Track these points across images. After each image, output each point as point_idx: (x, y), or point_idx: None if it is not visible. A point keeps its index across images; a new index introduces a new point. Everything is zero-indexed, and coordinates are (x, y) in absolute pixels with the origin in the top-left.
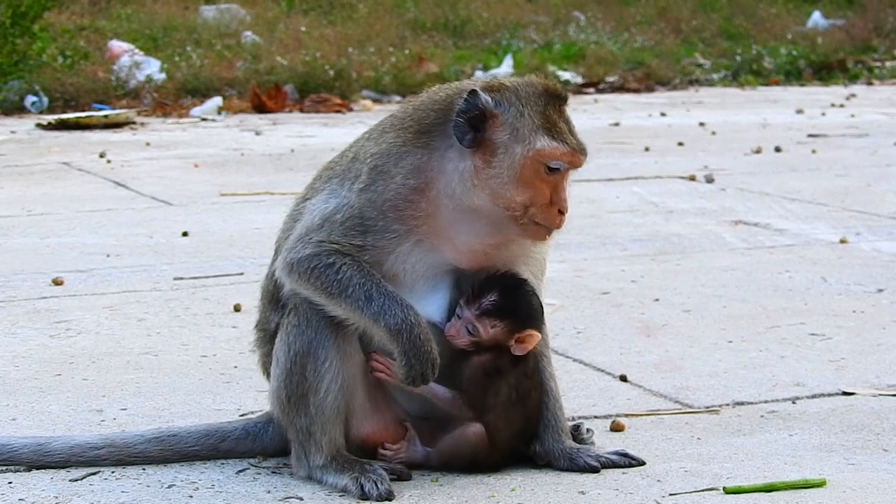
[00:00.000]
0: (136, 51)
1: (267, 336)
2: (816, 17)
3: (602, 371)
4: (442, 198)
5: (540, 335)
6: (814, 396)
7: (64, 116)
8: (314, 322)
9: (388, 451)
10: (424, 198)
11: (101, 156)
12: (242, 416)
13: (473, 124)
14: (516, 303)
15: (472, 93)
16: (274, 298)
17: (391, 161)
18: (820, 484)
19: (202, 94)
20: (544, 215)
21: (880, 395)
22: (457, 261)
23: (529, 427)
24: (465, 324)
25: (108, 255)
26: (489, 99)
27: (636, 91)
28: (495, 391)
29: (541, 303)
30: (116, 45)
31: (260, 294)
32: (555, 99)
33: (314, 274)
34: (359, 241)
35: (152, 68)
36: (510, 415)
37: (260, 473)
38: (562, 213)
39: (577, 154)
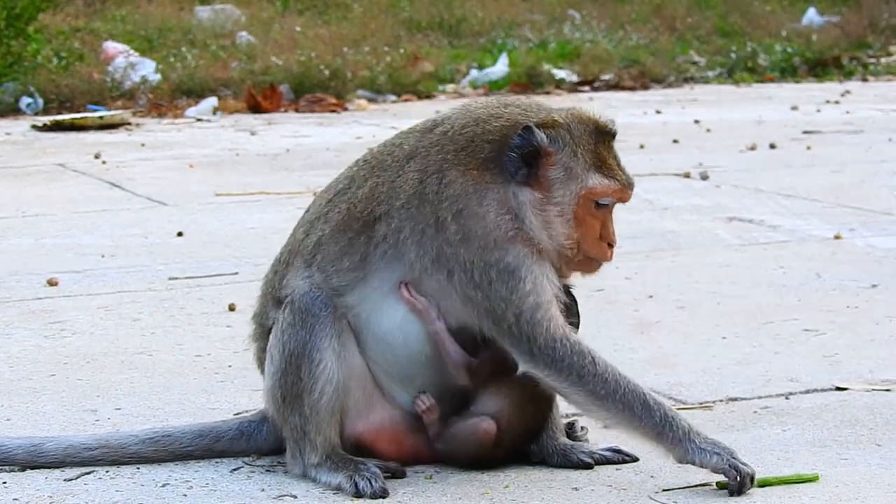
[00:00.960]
0: (131, 52)
1: (264, 331)
2: (811, 14)
3: None
4: (529, 221)
5: None
6: (807, 392)
7: (59, 118)
8: (308, 322)
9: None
10: (521, 223)
11: (97, 157)
12: (237, 415)
13: (527, 160)
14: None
15: (527, 129)
16: (275, 294)
17: (473, 201)
18: (813, 479)
19: (197, 94)
20: (596, 250)
21: (874, 390)
22: None
23: (538, 428)
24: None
25: (102, 256)
26: (544, 137)
27: (631, 89)
28: (509, 388)
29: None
30: (111, 46)
31: (262, 288)
32: (605, 135)
33: (569, 366)
34: (527, 286)
35: (147, 69)
36: (523, 414)
37: (254, 472)
38: (611, 245)
39: (626, 190)
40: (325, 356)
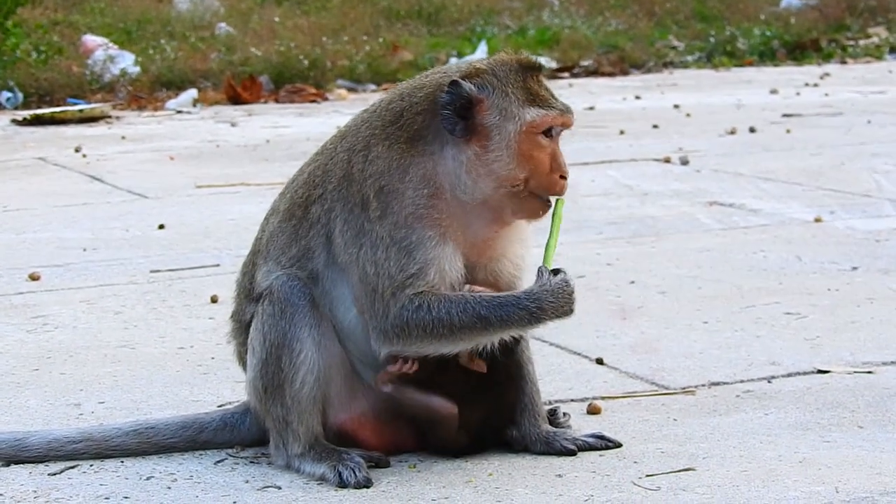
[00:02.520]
0: (111, 45)
1: (242, 327)
2: None
3: (578, 354)
4: (454, 197)
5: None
6: (789, 375)
7: (39, 112)
8: (288, 313)
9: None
10: (441, 200)
11: (77, 150)
12: (220, 406)
13: (461, 113)
14: None
15: (454, 83)
16: (249, 293)
17: (395, 177)
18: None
19: (177, 86)
20: (546, 184)
21: (855, 372)
22: (467, 256)
23: (499, 413)
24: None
25: (84, 249)
26: (471, 86)
27: (611, 75)
28: (452, 379)
29: None
30: (90, 39)
31: (235, 288)
32: (531, 70)
33: (417, 327)
34: (416, 267)
35: (127, 62)
36: (474, 401)
37: (238, 463)
38: (563, 177)
39: (565, 114)
40: (306, 346)
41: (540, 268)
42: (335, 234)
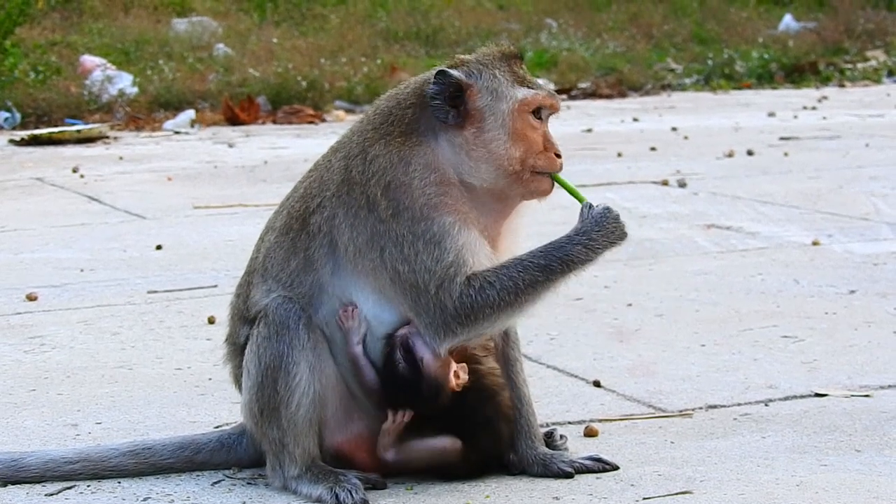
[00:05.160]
0: (109, 65)
1: (237, 349)
2: (788, 20)
3: (575, 377)
4: (462, 182)
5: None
6: (786, 398)
7: (37, 132)
8: (284, 335)
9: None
10: (450, 186)
11: (75, 170)
12: (217, 427)
13: (451, 102)
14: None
15: (441, 73)
16: (244, 315)
17: (399, 171)
18: None
19: (175, 107)
20: (542, 161)
21: (852, 395)
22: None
23: (503, 447)
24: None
25: (81, 270)
26: (459, 73)
27: (608, 97)
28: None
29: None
30: (88, 59)
31: (230, 311)
32: (514, 58)
33: (485, 307)
34: (452, 255)
35: (125, 82)
36: (475, 430)
37: (235, 485)
38: (558, 155)
39: (554, 97)
40: (301, 369)
41: (581, 208)
42: (342, 242)
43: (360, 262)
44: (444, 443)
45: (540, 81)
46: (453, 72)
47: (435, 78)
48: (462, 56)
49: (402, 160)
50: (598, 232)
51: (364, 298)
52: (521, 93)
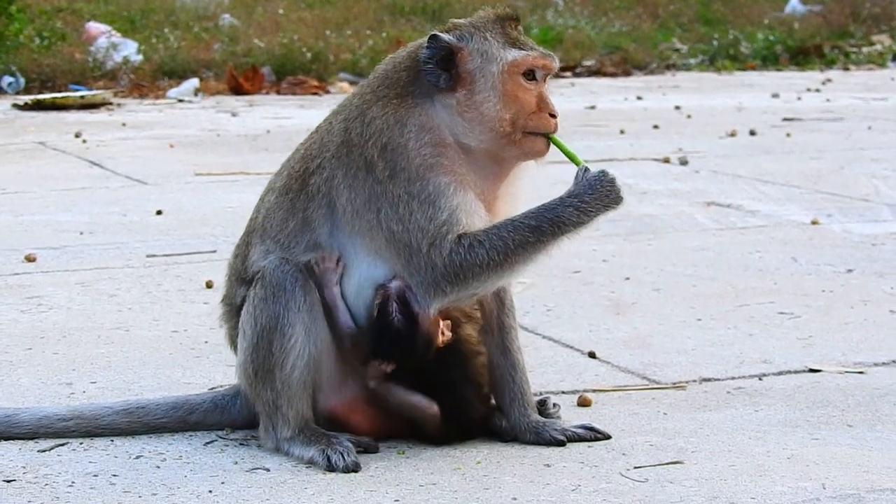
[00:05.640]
0: (114, 32)
1: (233, 310)
2: (794, 4)
3: (571, 347)
4: (458, 143)
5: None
6: (780, 373)
7: (40, 97)
8: (281, 297)
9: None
10: (446, 147)
11: (77, 136)
12: (212, 389)
13: (443, 65)
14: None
15: (433, 37)
16: (241, 275)
17: (395, 132)
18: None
19: (179, 75)
20: (535, 122)
21: (847, 372)
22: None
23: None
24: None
25: (81, 233)
26: (451, 36)
27: (613, 75)
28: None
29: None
30: (94, 26)
31: (227, 271)
32: (509, 20)
33: (474, 266)
34: (445, 214)
35: (129, 50)
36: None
37: (227, 445)
38: (553, 115)
39: (547, 58)
40: (297, 331)
41: (577, 171)
42: (341, 202)
43: (356, 223)
44: (423, 402)
45: (534, 43)
46: (444, 36)
47: (427, 43)
48: (456, 20)
49: (398, 121)
50: (591, 195)
51: (359, 259)
52: (512, 54)
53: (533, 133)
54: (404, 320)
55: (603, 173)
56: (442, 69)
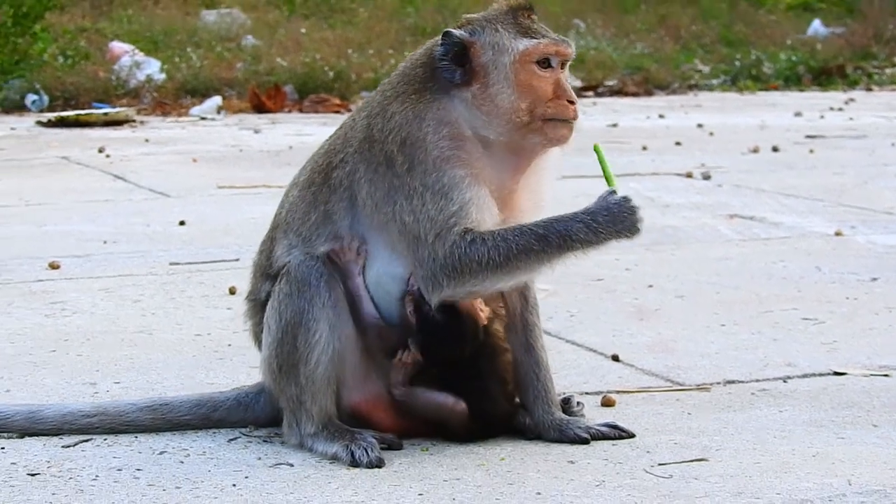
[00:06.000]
0: (137, 51)
1: (258, 306)
2: (816, 25)
3: (594, 351)
4: (476, 135)
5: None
6: (805, 376)
7: (64, 114)
8: (305, 292)
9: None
10: (463, 140)
11: (100, 151)
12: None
13: (457, 61)
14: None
15: (446, 34)
16: (266, 271)
17: (413, 127)
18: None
19: (202, 94)
20: (553, 109)
21: (872, 374)
22: (500, 205)
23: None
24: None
25: (104, 242)
26: (463, 31)
27: (635, 95)
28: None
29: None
30: (117, 45)
31: (252, 268)
32: (521, 10)
33: (472, 262)
34: (456, 206)
35: (152, 68)
36: (481, 392)
37: (251, 442)
38: (571, 102)
39: (560, 44)
40: (321, 326)
41: (604, 190)
42: (361, 196)
43: (375, 217)
44: (449, 400)
45: (550, 31)
46: (456, 31)
47: (441, 39)
48: (469, 15)
49: (416, 116)
50: (606, 217)
51: (378, 253)
52: (523, 44)
53: (552, 120)
54: (444, 314)
55: (625, 199)
56: (457, 65)
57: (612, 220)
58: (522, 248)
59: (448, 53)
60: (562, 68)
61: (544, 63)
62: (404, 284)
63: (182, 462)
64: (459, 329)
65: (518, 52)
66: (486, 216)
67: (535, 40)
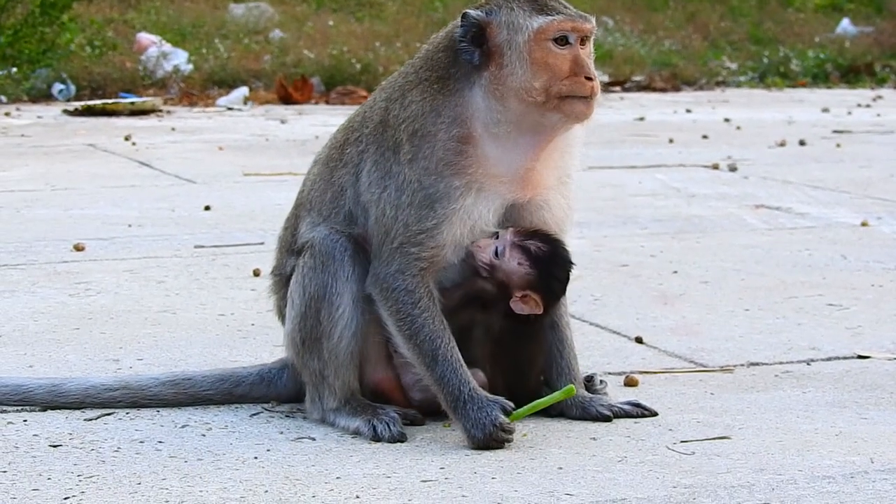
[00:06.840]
0: (164, 42)
1: (282, 280)
2: (845, 24)
3: (617, 333)
4: (484, 134)
5: (541, 309)
6: (829, 359)
7: (91, 103)
8: (330, 267)
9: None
10: (471, 142)
11: (127, 138)
12: None
13: (475, 42)
14: (552, 265)
15: (463, 16)
16: (290, 246)
17: (428, 121)
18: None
19: (228, 85)
20: (569, 86)
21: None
22: (511, 195)
23: (529, 377)
24: (499, 244)
25: (129, 226)
26: (479, 12)
27: (662, 90)
28: (480, 347)
29: (568, 281)
30: (145, 36)
31: (277, 244)
32: None
33: (395, 301)
34: (433, 222)
35: (180, 59)
36: (503, 366)
37: (273, 416)
38: (589, 78)
39: (576, 20)
40: (345, 300)
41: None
42: (363, 173)
43: (365, 195)
44: (479, 376)
45: (568, 6)
46: (473, 12)
47: (460, 22)
48: None
49: (433, 109)
50: (470, 409)
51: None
52: (537, 22)
53: (570, 96)
54: (545, 244)
55: (498, 420)
56: (475, 46)
57: (470, 417)
58: (421, 342)
59: (466, 35)
60: (582, 45)
61: (561, 40)
62: None
63: (204, 435)
64: (563, 249)
65: (532, 30)
66: (465, 227)
67: (549, 17)
